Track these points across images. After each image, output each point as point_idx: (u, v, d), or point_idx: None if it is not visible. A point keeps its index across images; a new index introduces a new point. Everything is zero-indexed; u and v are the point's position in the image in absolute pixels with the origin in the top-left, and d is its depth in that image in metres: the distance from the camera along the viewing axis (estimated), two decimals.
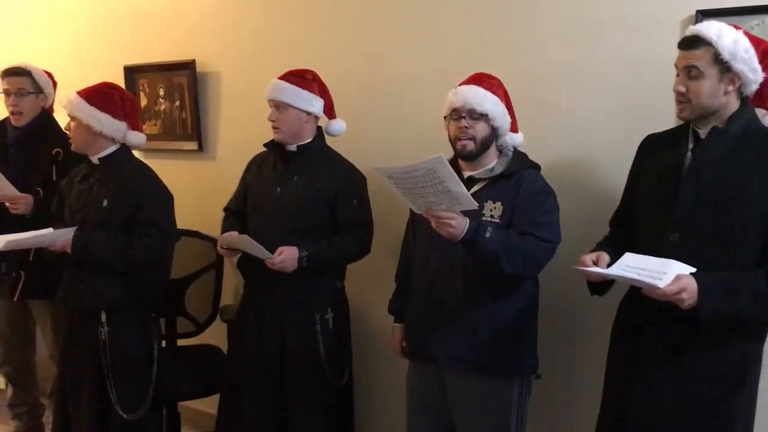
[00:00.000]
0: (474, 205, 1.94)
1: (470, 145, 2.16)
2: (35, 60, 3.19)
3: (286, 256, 2.40)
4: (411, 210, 2.22)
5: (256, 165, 2.69)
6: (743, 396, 1.85)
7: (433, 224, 2.01)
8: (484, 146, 2.17)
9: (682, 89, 1.82)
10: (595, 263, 1.89)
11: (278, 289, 2.50)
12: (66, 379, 2.68)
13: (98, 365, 2.58)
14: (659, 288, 1.68)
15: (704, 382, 1.83)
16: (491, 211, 2.13)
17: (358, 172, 2.61)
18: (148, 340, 2.68)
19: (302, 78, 2.55)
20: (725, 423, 1.84)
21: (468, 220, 2.00)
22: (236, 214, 2.68)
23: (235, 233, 2.48)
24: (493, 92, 2.15)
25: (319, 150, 2.60)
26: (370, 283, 2.84)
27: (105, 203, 2.57)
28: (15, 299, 3.05)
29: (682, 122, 1.93)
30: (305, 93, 2.52)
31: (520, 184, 2.13)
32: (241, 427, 2.56)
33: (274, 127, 2.52)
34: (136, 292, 2.60)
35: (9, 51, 3.98)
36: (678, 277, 1.70)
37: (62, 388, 2.71)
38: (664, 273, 1.70)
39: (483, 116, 2.14)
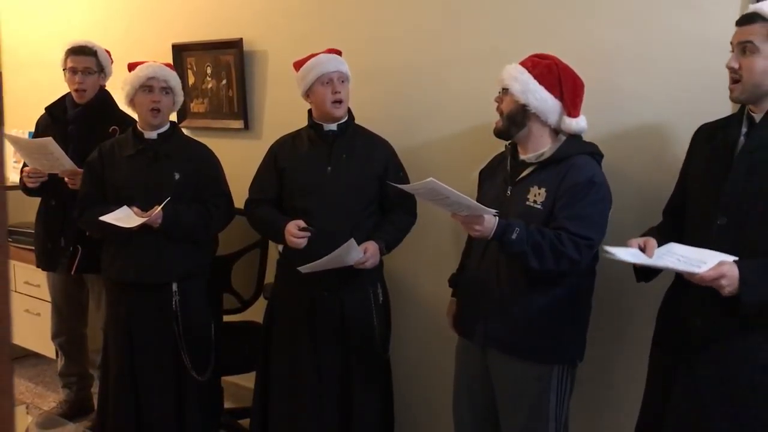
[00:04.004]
0: (489, 211, 1.97)
1: (499, 122, 2.18)
2: (84, 38, 3.24)
3: (373, 254, 2.42)
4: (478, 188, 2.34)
5: (287, 148, 2.64)
6: None
7: (462, 227, 2.06)
8: (511, 122, 2.14)
9: (735, 65, 1.77)
10: (642, 248, 1.86)
11: (338, 276, 2.47)
12: (134, 349, 2.75)
13: (171, 332, 2.71)
14: (697, 273, 1.66)
15: (750, 370, 1.78)
16: (535, 196, 2.09)
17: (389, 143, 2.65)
18: (210, 306, 2.86)
19: (340, 54, 2.60)
20: None
21: (496, 220, 2.00)
22: (270, 204, 2.62)
23: (325, 260, 2.34)
24: (526, 68, 2.12)
25: (356, 128, 2.62)
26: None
27: (177, 176, 2.68)
28: (72, 273, 3.14)
29: (735, 112, 1.88)
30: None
31: (567, 171, 2.07)
32: (304, 403, 2.59)
33: (339, 101, 2.51)
34: (203, 261, 2.80)
35: (60, 29, 4.07)
36: (719, 263, 1.67)
37: (124, 358, 2.76)
38: (704, 262, 1.68)
39: (506, 90, 2.14)
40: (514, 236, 1.98)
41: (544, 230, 2.02)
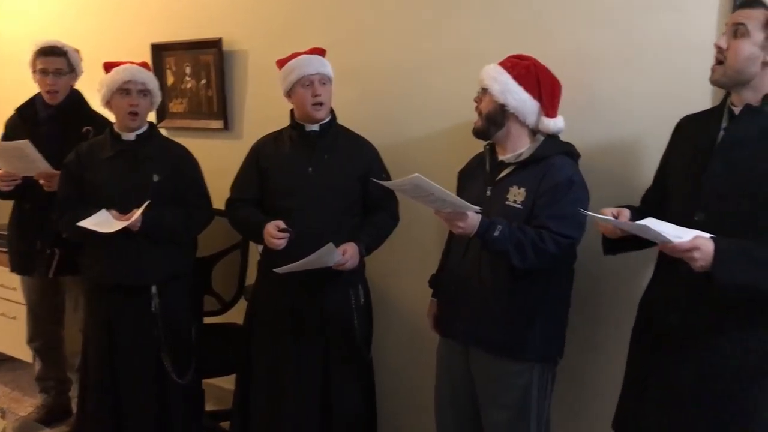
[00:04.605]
0: (473, 208, 1.97)
1: (478, 122, 2.20)
2: (62, 37, 3.20)
3: (352, 255, 2.40)
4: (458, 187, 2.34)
5: (269, 148, 2.63)
6: (765, 387, 1.78)
7: (445, 224, 2.06)
8: (490, 122, 2.17)
9: (723, 45, 1.76)
10: (616, 217, 1.86)
11: (318, 277, 2.45)
12: (114, 352, 2.72)
13: (151, 335, 2.68)
14: (671, 242, 1.63)
15: (722, 370, 1.79)
16: (515, 196, 2.12)
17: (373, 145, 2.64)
18: (191, 308, 2.85)
19: (323, 53, 2.58)
20: (745, 413, 1.78)
21: (479, 217, 2.01)
22: (251, 204, 2.60)
23: (303, 262, 2.33)
24: (506, 68, 2.15)
25: (339, 128, 2.60)
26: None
27: (156, 178, 2.65)
28: (51, 276, 3.07)
29: (718, 104, 1.88)
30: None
31: (547, 171, 2.10)
32: (285, 404, 2.57)
33: (320, 103, 2.49)
34: (184, 263, 2.78)
35: (36, 27, 4.01)
36: (695, 237, 1.64)
37: (104, 361, 2.73)
38: (680, 237, 1.65)
39: (485, 90, 2.17)
40: (496, 234, 2.00)
41: (526, 228, 2.04)
